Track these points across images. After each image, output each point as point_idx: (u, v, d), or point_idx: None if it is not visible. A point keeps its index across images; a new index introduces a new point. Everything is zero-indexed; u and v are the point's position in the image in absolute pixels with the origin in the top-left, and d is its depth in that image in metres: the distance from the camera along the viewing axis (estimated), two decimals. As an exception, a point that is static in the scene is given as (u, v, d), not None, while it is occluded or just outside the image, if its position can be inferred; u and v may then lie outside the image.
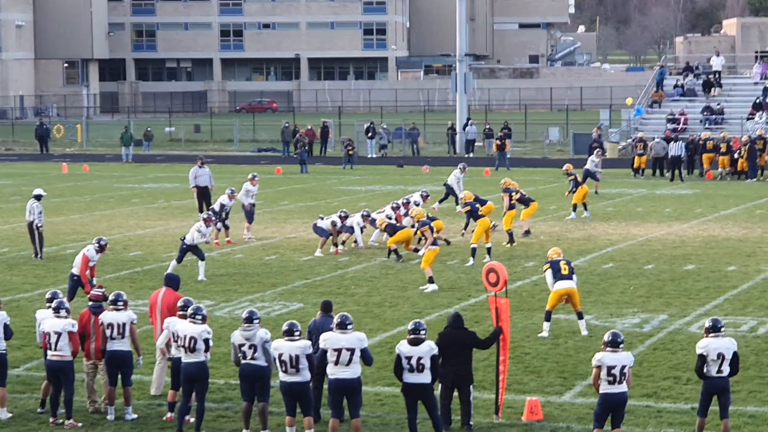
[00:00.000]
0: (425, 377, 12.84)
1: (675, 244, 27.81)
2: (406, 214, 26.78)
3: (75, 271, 19.75)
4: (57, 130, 69.53)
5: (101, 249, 19.77)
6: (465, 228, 28.14)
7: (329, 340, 12.78)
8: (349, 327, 12.80)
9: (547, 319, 18.25)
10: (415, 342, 12.81)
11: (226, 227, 28.15)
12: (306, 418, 12.95)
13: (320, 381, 13.85)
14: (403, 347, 12.86)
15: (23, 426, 13.88)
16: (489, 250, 25.12)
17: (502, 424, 13.85)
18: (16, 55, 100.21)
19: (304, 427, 12.99)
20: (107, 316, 14.14)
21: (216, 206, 27.97)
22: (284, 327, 12.94)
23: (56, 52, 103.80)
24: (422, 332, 12.84)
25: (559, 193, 39.44)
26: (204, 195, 32.68)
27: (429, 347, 12.86)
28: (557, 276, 17.96)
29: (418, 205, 27.94)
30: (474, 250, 24.79)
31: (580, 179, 32.82)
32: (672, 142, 44.99)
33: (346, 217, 26.47)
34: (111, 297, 14.28)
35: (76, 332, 13.97)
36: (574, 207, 32.50)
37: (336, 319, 12.91)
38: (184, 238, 23.51)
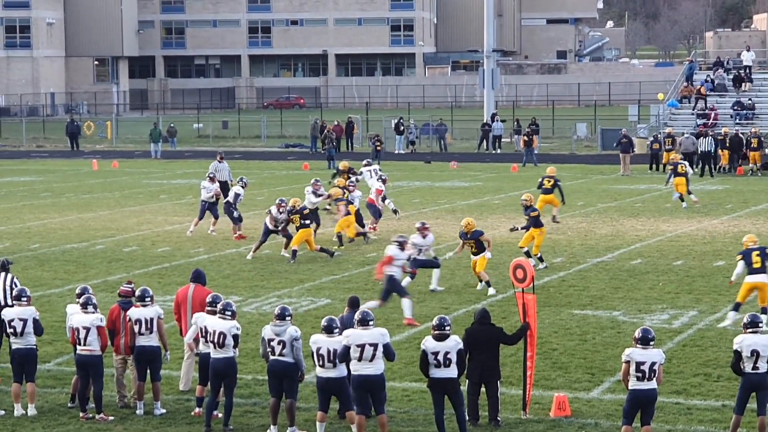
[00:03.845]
0: (452, 372, 12.83)
1: (705, 240, 27.64)
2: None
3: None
4: (87, 126, 69.89)
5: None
6: (521, 228, 25.20)
7: (352, 336, 12.80)
8: (371, 323, 12.83)
9: (735, 309, 18.13)
10: (441, 337, 12.82)
11: (239, 220, 28.31)
12: (348, 413, 12.96)
13: (348, 375, 13.85)
14: (429, 343, 12.86)
15: (54, 420, 13.97)
16: (528, 253, 23.92)
17: (529, 420, 13.83)
18: (47, 52, 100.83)
19: (348, 422, 12.99)
20: (134, 312, 14.20)
21: (231, 197, 28.25)
22: (323, 323, 13.02)
23: (86, 49, 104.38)
24: (447, 328, 12.84)
25: (586, 189, 39.32)
26: (223, 189, 33.02)
27: (455, 342, 12.86)
28: (749, 268, 17.80)
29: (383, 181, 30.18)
30: (528, 253, 23.51)
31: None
32: (702, 137, 44.73)
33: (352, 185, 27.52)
34: (137, 293, 14.33)
35: (104, 327, 14.04)
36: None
37: (357, 316, 12.94)
38: (266, 222, 25.27)
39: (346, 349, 12.81)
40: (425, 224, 21.28)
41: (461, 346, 12.90)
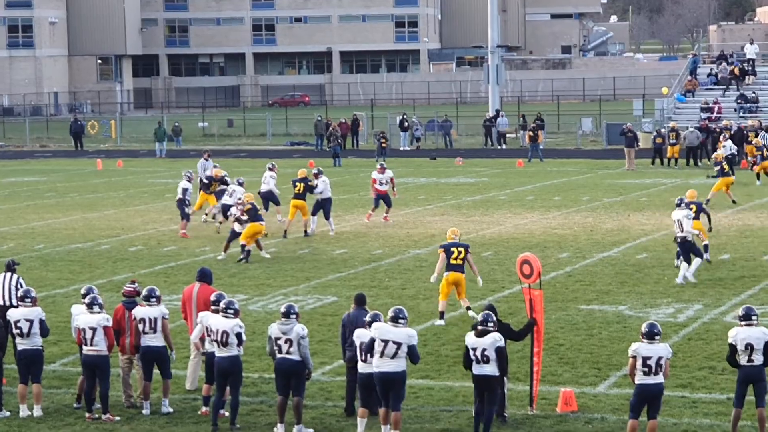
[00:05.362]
0: (491, 369, 12.86)
1: (709, 234, 27.56)
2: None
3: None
4: (91, 126, 69.92)
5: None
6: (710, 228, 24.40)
7: (380, 330, 12.82)
8: (402, 322, 12.83)
9: None
10: (482, 334, 12.86)
11: (188, 218, 28.41)
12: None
13: (355, 373, 13.85)
14: (470, 338, 12.95)
15: (60, 421, 13.99)
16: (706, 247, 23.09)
17: (536, 415, 13.84)
18: (50, 51, 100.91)
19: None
20: (139, 311, 14.21)
21: (180, 193, 28.27)
22: (367, 318, 13.06)
23: (90, 48, 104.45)
24: (490, 324, 12.88)
25: (592, 184, 39.28)
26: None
27: (493, 339, 12.89)
28: None
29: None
30: (706, 246, 22.95)
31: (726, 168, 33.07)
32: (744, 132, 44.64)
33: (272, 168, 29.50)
34: (144, 292, 14.34)
35: (110, 327, 14.05)
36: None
37: (390, 312, 12.96)
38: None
39: (372, 341, 12.83)
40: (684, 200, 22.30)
41: (501, 344, 12.89)
